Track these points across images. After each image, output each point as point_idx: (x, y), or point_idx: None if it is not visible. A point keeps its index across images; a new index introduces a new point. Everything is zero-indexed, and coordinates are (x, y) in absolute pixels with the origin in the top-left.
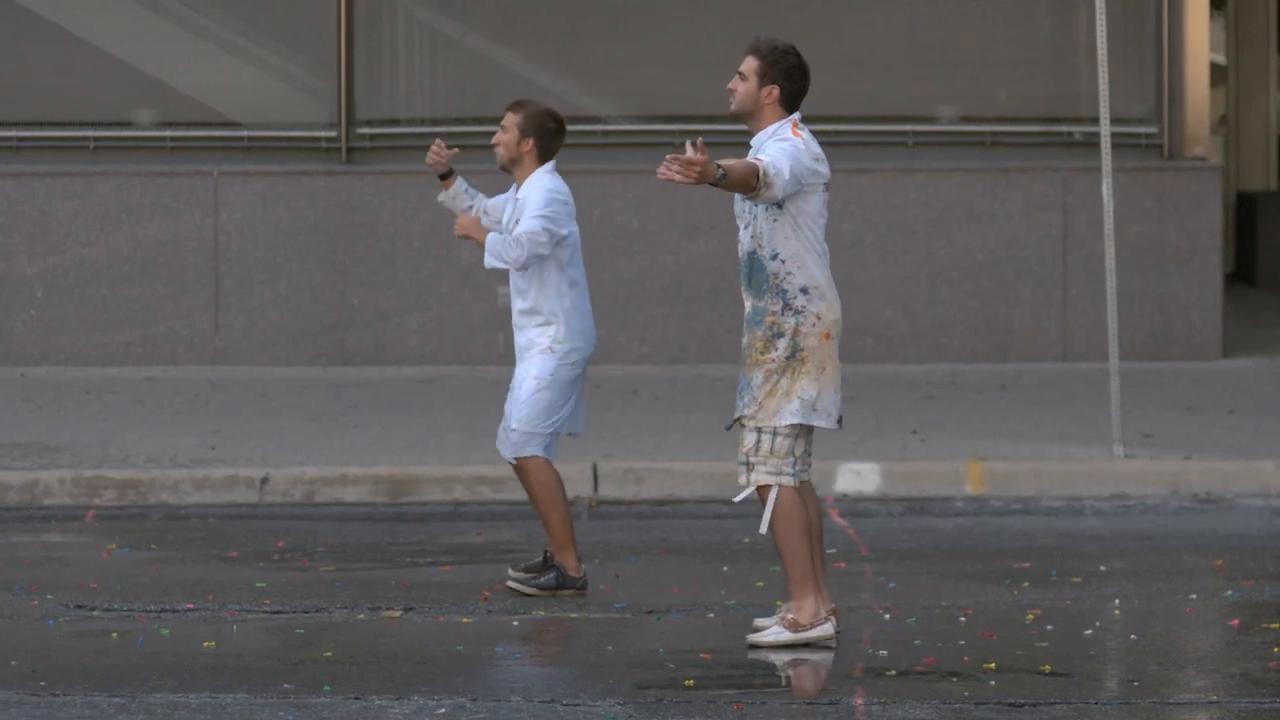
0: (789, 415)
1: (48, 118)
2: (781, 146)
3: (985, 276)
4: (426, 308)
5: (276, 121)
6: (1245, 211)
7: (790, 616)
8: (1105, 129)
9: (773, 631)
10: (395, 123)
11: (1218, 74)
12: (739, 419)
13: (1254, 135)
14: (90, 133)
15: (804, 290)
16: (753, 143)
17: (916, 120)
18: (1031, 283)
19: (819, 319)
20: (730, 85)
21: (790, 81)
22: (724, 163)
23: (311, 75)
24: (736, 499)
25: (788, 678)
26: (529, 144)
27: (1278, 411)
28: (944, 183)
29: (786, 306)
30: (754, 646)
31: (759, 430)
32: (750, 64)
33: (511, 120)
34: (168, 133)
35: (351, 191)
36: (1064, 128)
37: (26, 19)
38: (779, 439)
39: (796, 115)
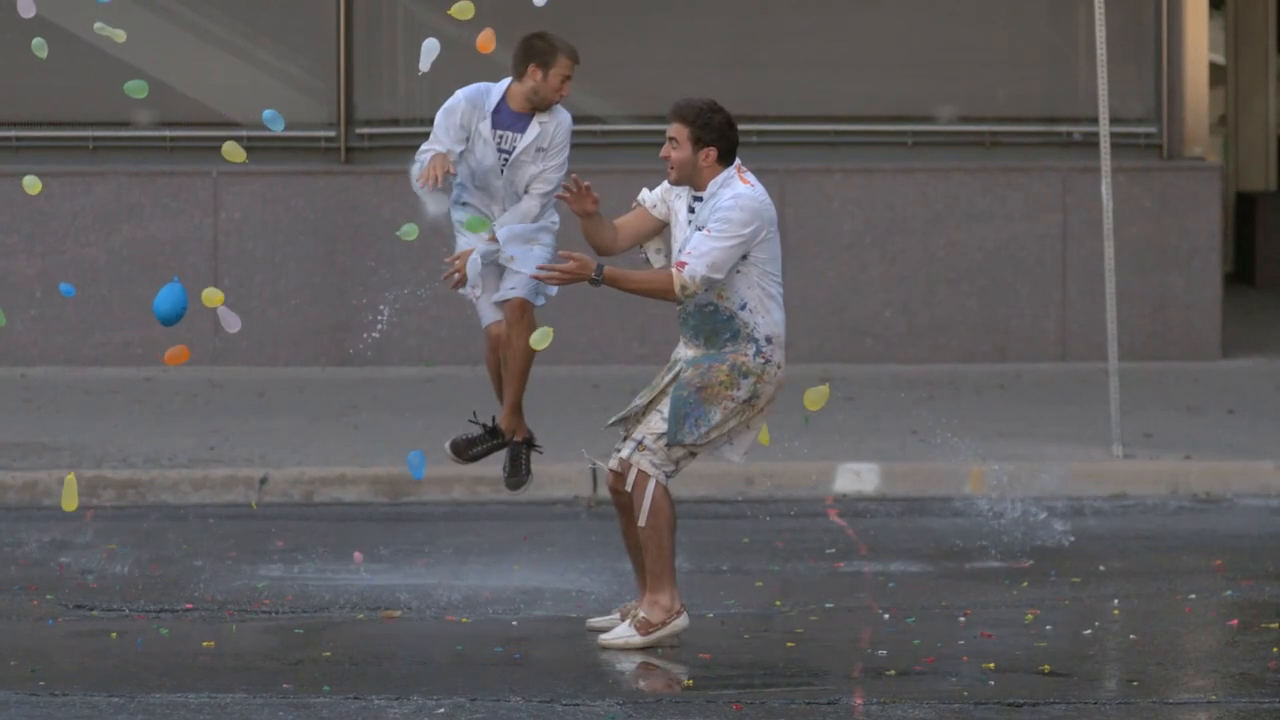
0: (712, 447)
1: (47, 118)
2: (720, 226)
3: (984, 276)
4: (425, 308)
5: None
6: (1244, 211)
7: (643, 615)
8: (1104, 129)
9: (623, 634)
10: (394, 123)
11: (1217, 74)
12: (689, 445)
13: (1253, 135)
14: (90, 133)
15: (769, 340)
16: (704, 195)
17: (915, 120)
18: (1031, 283)
19: (779, 369)
20: (663, 154)
21: (724, 139)
22: (620, 275)
23: (310, 75)
24: (628, 486)
25: (634, 682)
26: None
27: (1277, 412)
28: (943, 182)
29: (759, 353)
30: (605, 647)
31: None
32: (680, 131)
33: None
34: (167, 133)
35: (350, 191)
36: (1063, 128)
37: (26, 19)
38: (681, 449)
39: (738, 161)
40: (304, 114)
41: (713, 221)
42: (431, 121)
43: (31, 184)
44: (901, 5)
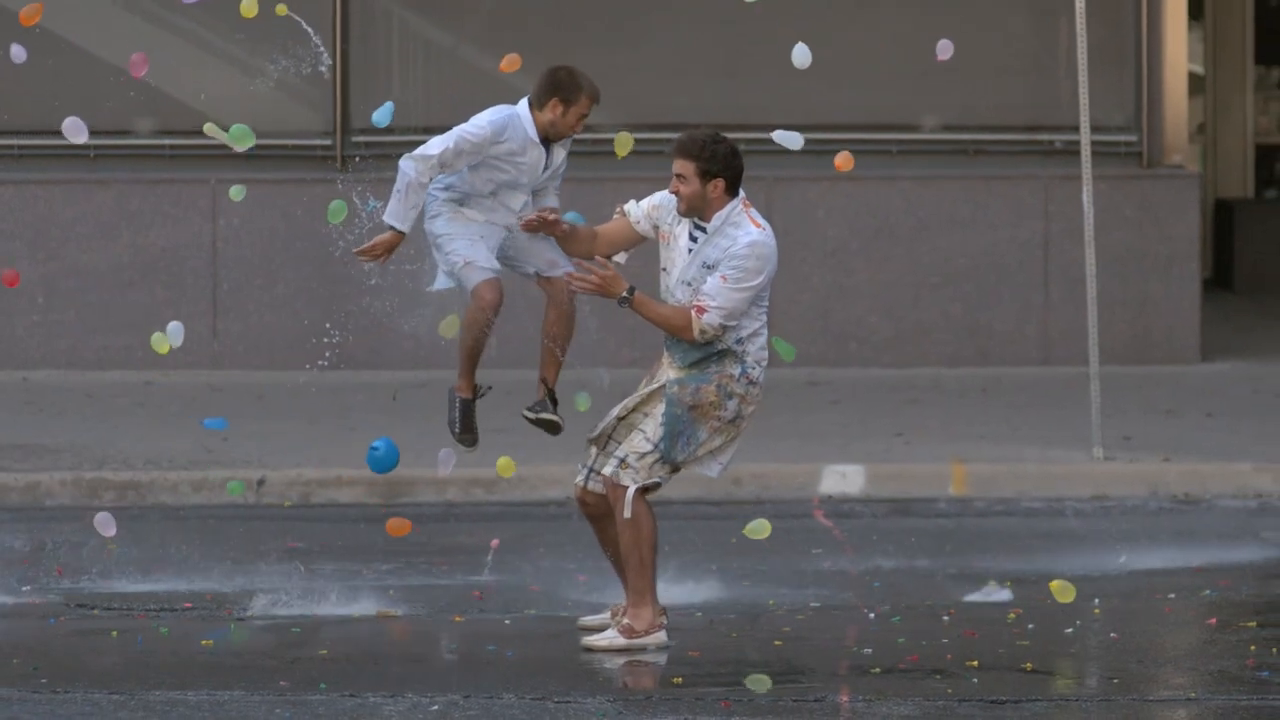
0: (695, 461)
1: (49, 126)
2: (737, 275)
3: (968, 282)
4: (419, 312)
5: (273, 130)
6: (1223, 218)
7: (626, 622)
8: (1085, 137)
9: (608, 635)
10: (390, 131)
11: (1196, 83)
12: (681, 463)
13: (1231, 143)
14: (90, 141)
15: (757, 363)
16: (710, 226)
17: (900, 129)
18: (1013, 288)
19: (760, 390)
20: (672, 189)
21: (730, 168)
22: (647, 302)
23: (307, 85)
24: (626, 512)
25: (624, 680)
26: None
27: (1254, 414)
28: (927, 190)
29: (745, 375)
30: (589, 649)
31: (655, 451)
32: (686, 166)
33: None
34: (166, 141)
35: (346, 199)
36: (1045, 136)
37: (27, 29)
38: (664, 464)
39: (743, 194)
40: (301, 123)
41: (729, 268)
42: (425, 129)
43: (159, 341)
44: (887, 17)
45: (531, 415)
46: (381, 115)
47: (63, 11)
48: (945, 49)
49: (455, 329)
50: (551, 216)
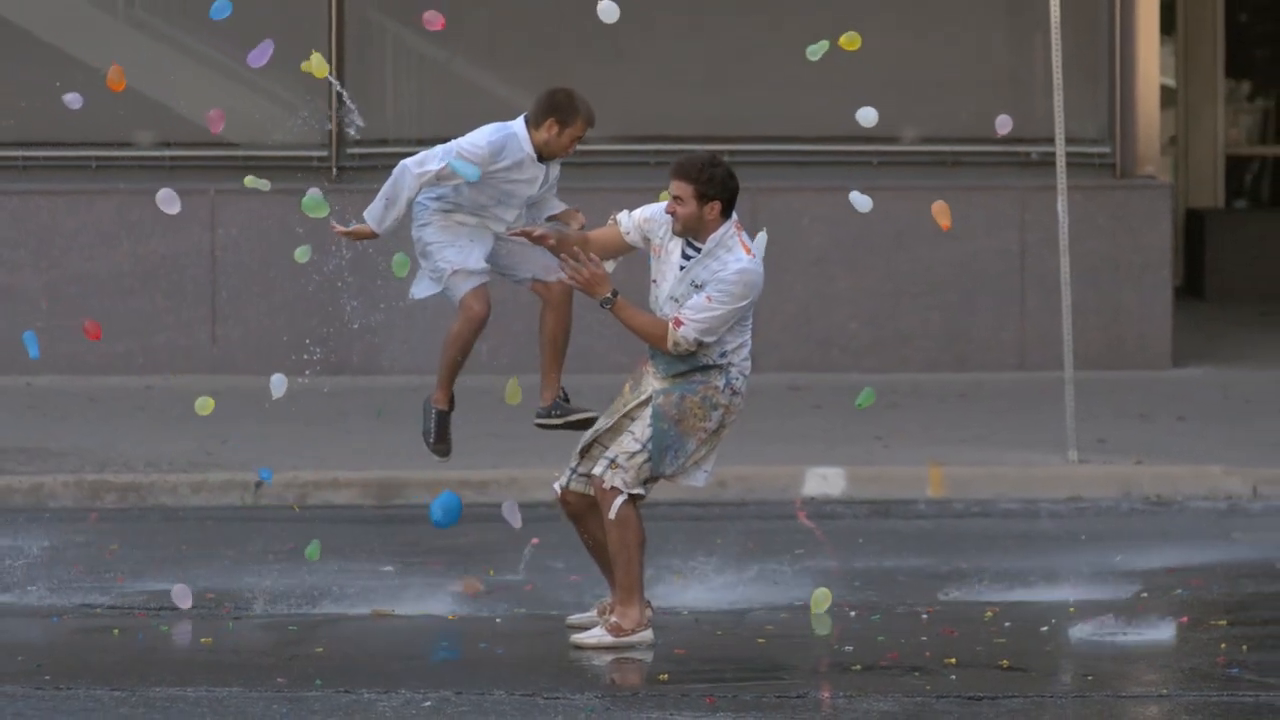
0: (682, 472)
1: (51, 138)
2: (722, 297)
3: (946, 290)
4: (412, 319)
5: (270, 142)
6: (1194, 228)
7: (614, 620)
8: (1060, 149)
9: (596, 633)
10: (384, 143)
11: (1167, 96)
12: (670, 475)
13: (1202, 155)
14: (92, 153)
15: (741, 374)
16: (703, 248)
17: (880, 141)
18: (990, 296)
19: (743, 400)
20: (668, 209)
21: (726, 190)
22: (627, 308)
23: (303, 98)
24: (612, 514)
25: (611, 677)
26: None
27: (1224, 418)
28: (907, 201)
29: (728, 385)
30: (578, 647)
31: (644, 451)
32: (684, 189)
33: None
34: (166, 152)
35: (342, 208)
36: (1021, 148)
37: (31, 43)
38: (650, 468)
39: (735, 217)
40: (297, 135)
41: (714, 289)
42: (418, 141)
43: (204, 405)
44: (868, 32)
45: (557, 420)
46: (468, 171)
47: (65, 26)
48: (1004, 124)
49: (516, 396)
50: (538, 232)
